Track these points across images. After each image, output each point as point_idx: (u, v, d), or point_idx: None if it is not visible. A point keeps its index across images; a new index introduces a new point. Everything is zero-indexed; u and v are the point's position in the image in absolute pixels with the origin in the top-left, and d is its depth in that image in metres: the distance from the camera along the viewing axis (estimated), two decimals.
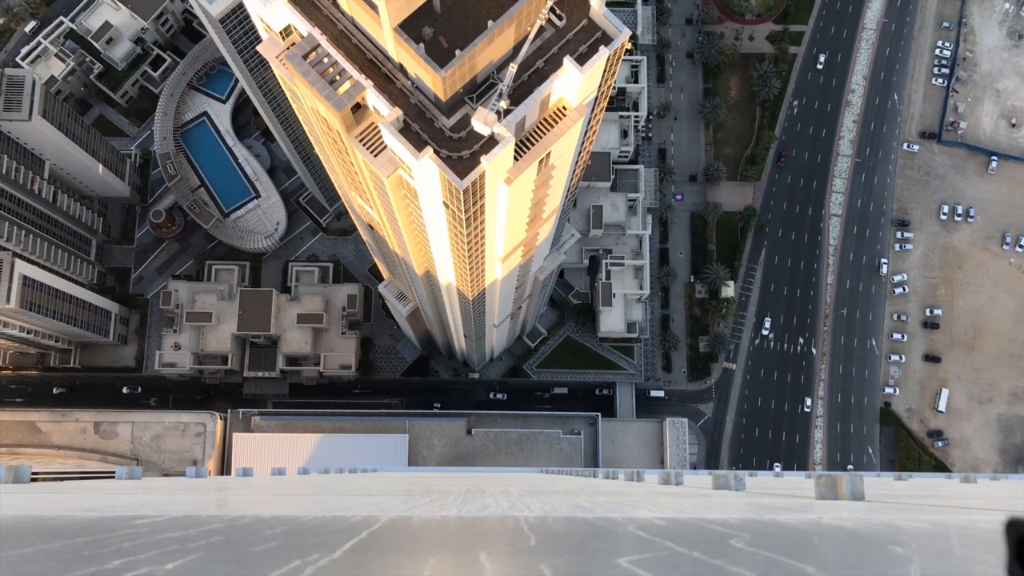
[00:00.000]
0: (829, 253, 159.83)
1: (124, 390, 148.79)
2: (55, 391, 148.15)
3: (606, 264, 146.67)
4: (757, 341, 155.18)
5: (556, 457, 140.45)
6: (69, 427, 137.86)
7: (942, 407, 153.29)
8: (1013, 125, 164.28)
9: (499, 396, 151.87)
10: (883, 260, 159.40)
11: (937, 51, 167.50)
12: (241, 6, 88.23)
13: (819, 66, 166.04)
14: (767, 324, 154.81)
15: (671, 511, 12.27)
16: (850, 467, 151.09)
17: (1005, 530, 4.46)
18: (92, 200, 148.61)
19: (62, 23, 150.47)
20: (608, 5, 49.08)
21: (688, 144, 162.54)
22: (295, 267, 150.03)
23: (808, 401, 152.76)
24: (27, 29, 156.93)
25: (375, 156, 51.88)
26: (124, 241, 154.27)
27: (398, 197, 61.61)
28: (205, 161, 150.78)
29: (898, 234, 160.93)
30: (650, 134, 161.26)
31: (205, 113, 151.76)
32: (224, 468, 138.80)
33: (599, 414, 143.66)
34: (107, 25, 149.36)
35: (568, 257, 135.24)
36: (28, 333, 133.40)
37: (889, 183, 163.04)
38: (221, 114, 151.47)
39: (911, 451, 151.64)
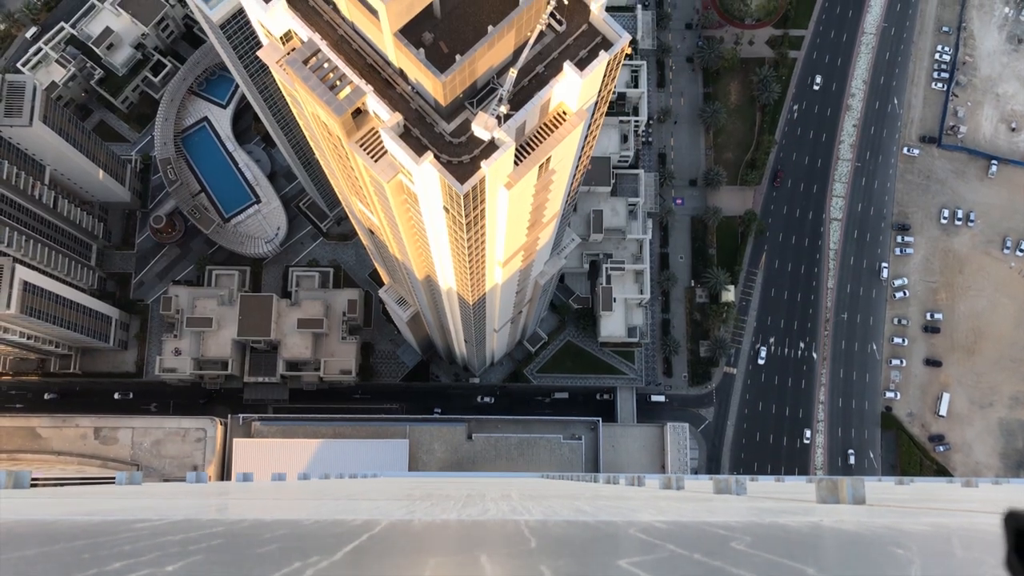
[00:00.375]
0: (829, 257, 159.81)
1: (116, 396, 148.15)
2: (47, 397, 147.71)
3: (606, 268, 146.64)
4: (755, 358, 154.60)
5: (557, 462, 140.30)
6: (69, 433, 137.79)
7: (943, 411, 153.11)
8: (1013, 129, 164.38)
9: (487, 400, 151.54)
10: (883, 264, 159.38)
11: (937, 55, 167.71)
12: (242, 11, 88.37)
13: (817, 84, 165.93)
14: (763, 353, 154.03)
15: (672, 515, 12.25)
16: (852, 453, 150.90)
17: (1003, 522, 4.44)
18: (92, 205, 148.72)
19: (63, 29, 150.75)
20: (608, 10, 49.15)
21: (688, 149, 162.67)
22: (295, 272, 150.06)
23: (807, 432, 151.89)
24: (28, 35, 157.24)
25: (375, 161, 51.90)
26: (124, 246, 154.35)
27: (398, 202, 61.63)
28: (205, 166, 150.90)
29: (898, 238, 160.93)
30: (650, 139, 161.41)
31: (206, 118, 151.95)
32: (224, 473, 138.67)
33: (600, 419, 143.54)
34: (108, 31, 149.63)
35: (568, 262, 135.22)
36: (28, 339, 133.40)
37: (889, 187, 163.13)
38: (222, 119, 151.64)
39: (912, 456, 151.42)
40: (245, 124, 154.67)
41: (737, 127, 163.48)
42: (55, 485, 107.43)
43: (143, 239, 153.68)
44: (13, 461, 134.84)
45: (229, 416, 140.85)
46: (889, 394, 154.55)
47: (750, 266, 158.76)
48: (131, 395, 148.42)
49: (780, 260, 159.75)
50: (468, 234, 60.82)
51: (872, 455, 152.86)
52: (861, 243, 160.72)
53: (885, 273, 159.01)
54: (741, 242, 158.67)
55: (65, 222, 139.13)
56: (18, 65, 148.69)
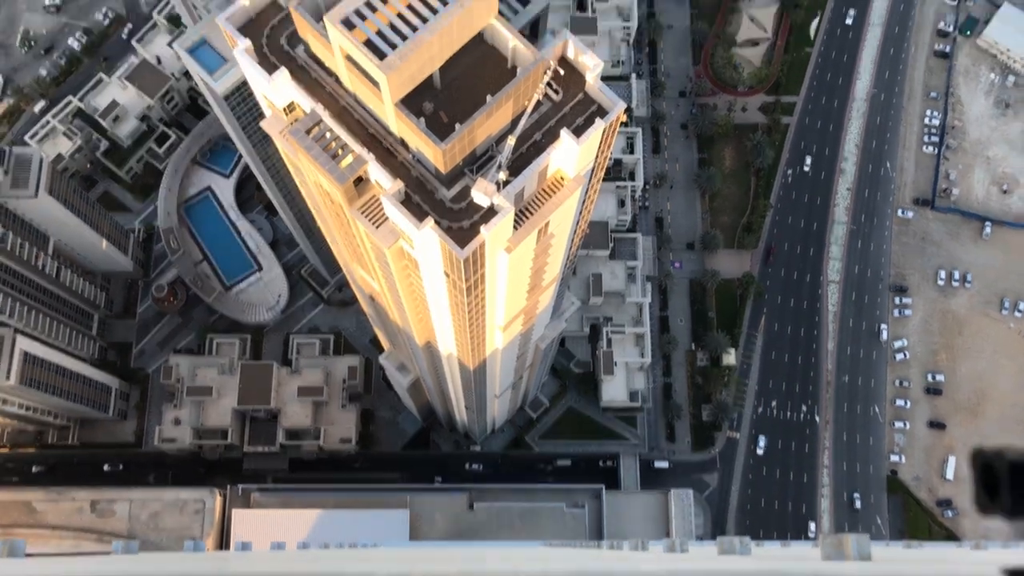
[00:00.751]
0: (828, 319, 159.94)
1: (105, 467, 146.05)
2: (35, 470, 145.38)
3: (607, 332, 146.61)
4: (753, 454, 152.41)
5: (560, 531, 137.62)
6: (65, 506, 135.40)
7: (950, 475, 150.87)
8: (1004, 191, 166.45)
9: (476, 467, 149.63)
10: (883, 326, 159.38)
11: (926, 120, 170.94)
12: (245, 84, 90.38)
13: (807, 165, 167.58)
14: (762, 442, 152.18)
15: (676, 565, 12.23)
16: (859, 518, 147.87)
17: (971, 461, 4.52)
18: (95, 275, 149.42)
19: (71, 102, 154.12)
20: (603, 79, 50.38)
21: (685, 213, 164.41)
22: (296, 340, 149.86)
23: (812, 525, 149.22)
24: (36, 109, 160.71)
25: (377, 228, 52.45)
26: (126, 315, 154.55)
27: (399, 267, 62.06)
28: (208, 235, 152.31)
29: (896, 300, 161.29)
30: (647, 203, 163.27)
31: (209, 188, 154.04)
32: (223, 545, 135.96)
33: (603, 486, 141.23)
34: (114, 104, 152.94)
35: (569, 325, 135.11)
36: (27, 410, 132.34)
37: (885, 249, 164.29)
38: (225, 189, 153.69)
39: (920, 521, 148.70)
40: (248, 193, 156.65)
41: (732, 191, 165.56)
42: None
43: (145, 308, 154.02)
44: (7, 536, 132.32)
45: (228, 487, 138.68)
46: (894, 457, 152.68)
47: (750, 329, 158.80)
48: (121, 466, 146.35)
49: (780, 323, 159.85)
50: (468, 299, 61.07)
51: (879, 520, 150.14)
52: (860, 305, 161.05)
53: (885, 335, 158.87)
54: (740, 305, 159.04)
55: (67, 292, 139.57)
56: (26, 138, 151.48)
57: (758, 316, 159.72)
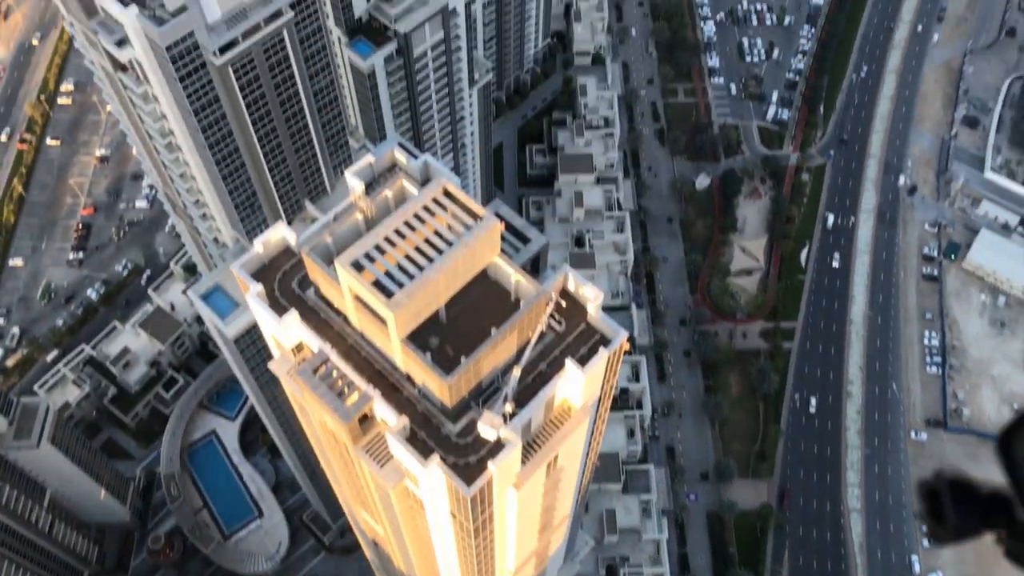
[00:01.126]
0: (855, 551, 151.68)
1: None
2: None
3: (624, 574, 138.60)
4: None
5: None
6: None
7: None
8: (1016, 410, 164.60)
9: None
10: (913, 557, 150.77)
11: (926, 341, 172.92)
12: (255, 327, 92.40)
13: (812, 407, 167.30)
14: None
15: None
16: None
17: (917, 489, 3.65)
18: (89, 527, 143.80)
19: (83, 350, 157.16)
20: (604, 309, 51.49)
21: (695, 441, 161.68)
22: None
23: None
24: (49, 358, 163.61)
25: (381, 467, 51.15)
26: (119, 570, 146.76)
27: (404, 508, 59.83)
28: (210, 481, 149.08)
29: (924, 528, 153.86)
30: (656, 433, 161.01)
31: (213, 431, 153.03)
32: None
33: None
34: (125, 350, 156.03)
35: (583, 568, 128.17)
36: None
37: (904, 474, 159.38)
38: (229, 432, 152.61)
39: None
40: (252, 435, 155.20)
41: (742, 418, 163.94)
42: None
43: (139, 562, 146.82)
44: None
45: None
46: None
47: (774, 564, 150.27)
48: None
49: (804, 556, 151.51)
50: (476, 541, 58.23)
51: None
52: (885, 534, 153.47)
53: (917, 567, 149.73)
54: (761, 538, 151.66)
55: (59, 547, 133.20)
56: (35, 387, 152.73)
57: (781, 550, 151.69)
